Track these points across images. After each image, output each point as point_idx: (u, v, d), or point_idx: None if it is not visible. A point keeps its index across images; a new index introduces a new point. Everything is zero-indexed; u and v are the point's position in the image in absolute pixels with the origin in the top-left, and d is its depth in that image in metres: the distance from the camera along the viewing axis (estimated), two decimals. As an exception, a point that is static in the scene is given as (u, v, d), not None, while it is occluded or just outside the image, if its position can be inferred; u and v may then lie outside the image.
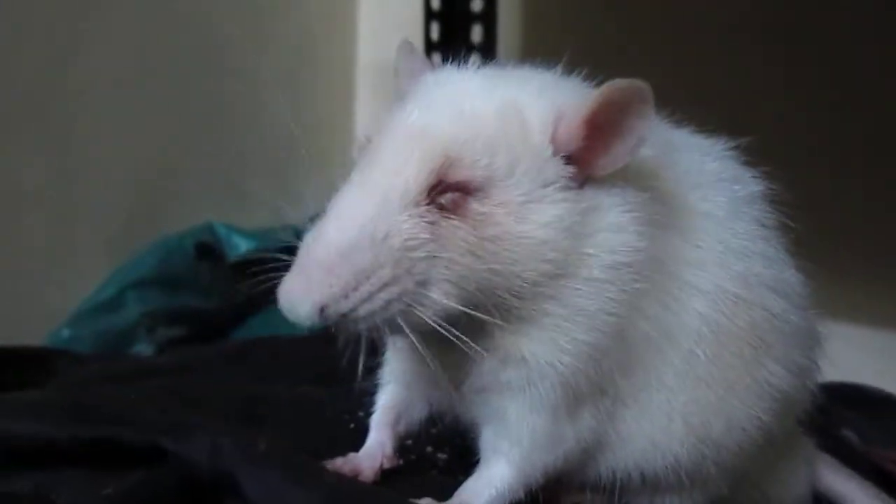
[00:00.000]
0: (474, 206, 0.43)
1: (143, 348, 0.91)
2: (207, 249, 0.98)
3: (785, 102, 0.99)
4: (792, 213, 0.53)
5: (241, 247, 0.99)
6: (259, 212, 1.01)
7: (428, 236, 0.42)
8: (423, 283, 0.42)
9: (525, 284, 0.44)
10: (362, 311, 0.41)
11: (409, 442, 0.56)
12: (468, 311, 0.43)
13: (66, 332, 0.87)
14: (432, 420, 0.54)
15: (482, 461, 0.49)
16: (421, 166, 0.43)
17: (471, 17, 1.13)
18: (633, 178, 0.46)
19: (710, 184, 0.51)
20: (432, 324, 0.42)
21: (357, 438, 0.54)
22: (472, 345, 0.43)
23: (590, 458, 0.50)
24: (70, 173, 0.91)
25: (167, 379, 0.69)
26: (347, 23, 1.30)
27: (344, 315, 0.41)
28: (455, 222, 0.43)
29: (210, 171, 1.07)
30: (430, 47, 1.16)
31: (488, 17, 1.13)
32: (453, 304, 0.42)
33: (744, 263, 0.50)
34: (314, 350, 0.73)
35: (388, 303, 0.41)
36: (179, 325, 0.94)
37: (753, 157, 0.53)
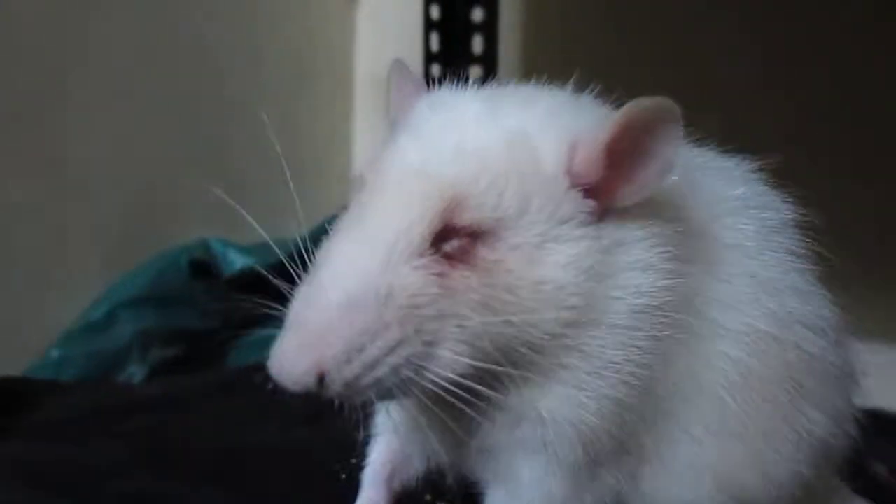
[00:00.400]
0: (483, 252, 0.38)
1: (136, 370, 0.87)
2: (202, 266, 0.95)
3: (787, 106, 0.98)
4: (815, 222, 0.48)
5: (237, 263, 0.95)
6: (254, 227, 0.99)
7: (436, 291, 0.37)
8: (431, 343, 0.37)
9: (545, 336, 0.39)
10: (367, 379, 0.36)
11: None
12: (482, 368, 0.38)
13: (55, 353, 0.83)
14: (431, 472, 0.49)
15: None
16: (423, 212, 0.38)
17: (471, 27, 1.10)
18: (656, 208, 0.41)
19: (738, 211, 0.46)
20: (444, 387, 0.37)
21: (349, 492, 0.49)
22: (485, 403, 0.39)
23: None
24: (62, 189, 0.88)
25: (152, 417, 0.66)
26: (345, 33, 1.27)
27: (347, 384, 0.36)
28: (464, 272, 0.38)
29: (206, 186, 1.04)
30: (429, 58, 1.13)
31: (489, 27, 1.10)
32: (466, 364, 0.37)
33: (776, 299, 0.45)
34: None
35: (396, 369, 0.36)
36: (174, 344, 0.91)
37: (756, 158, 0.49)
